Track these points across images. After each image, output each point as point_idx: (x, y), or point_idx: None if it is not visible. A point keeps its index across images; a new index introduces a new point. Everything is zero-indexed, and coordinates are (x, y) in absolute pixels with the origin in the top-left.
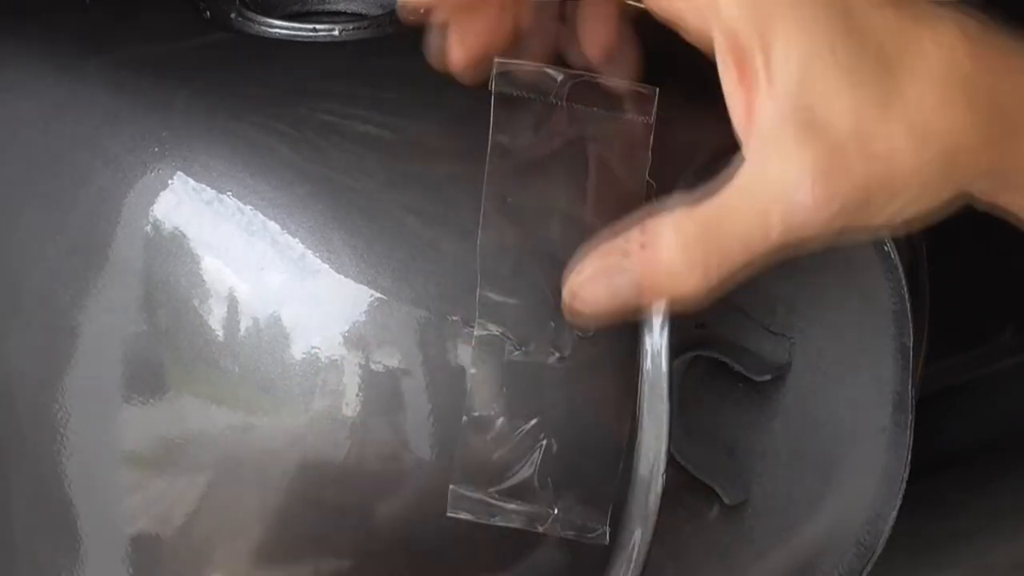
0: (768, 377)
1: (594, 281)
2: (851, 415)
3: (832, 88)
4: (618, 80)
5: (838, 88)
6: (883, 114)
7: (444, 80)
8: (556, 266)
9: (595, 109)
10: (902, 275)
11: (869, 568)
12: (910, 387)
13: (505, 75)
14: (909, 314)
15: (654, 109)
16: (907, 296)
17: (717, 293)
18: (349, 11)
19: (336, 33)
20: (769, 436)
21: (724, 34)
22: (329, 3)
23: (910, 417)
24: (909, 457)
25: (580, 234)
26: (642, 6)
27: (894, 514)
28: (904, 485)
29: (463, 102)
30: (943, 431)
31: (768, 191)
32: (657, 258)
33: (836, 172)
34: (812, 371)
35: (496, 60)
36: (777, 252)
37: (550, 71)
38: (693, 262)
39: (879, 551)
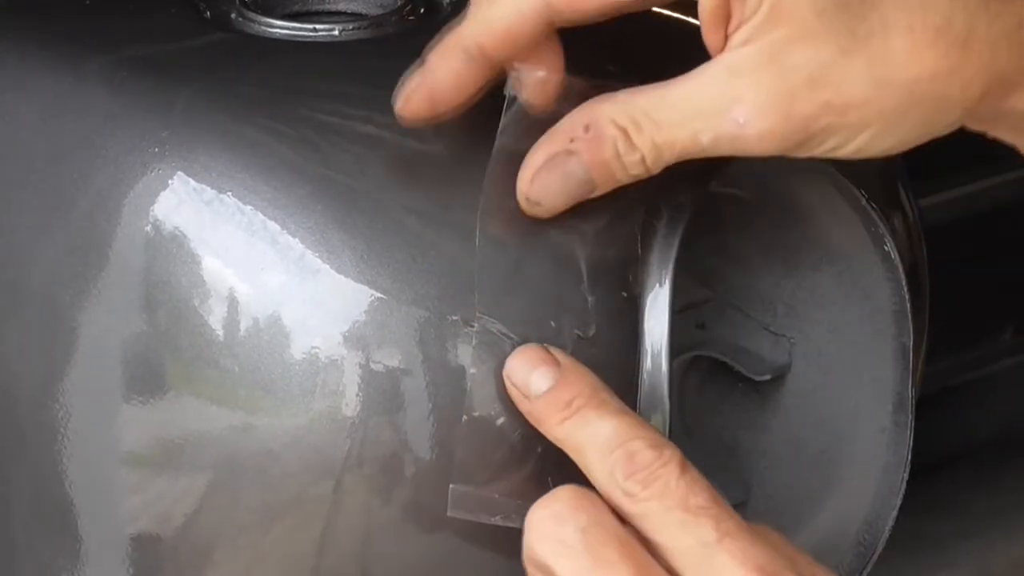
0: (768, 377)
1: (547, 168)
2: (851, 415)
3: (800, 27)
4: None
5: (805, 28)
6: (845, 59)
7: None
8: (556, 266)
9: None
10: (902, 275)
11: (869, 568)
12: (910, 387)
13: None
14: (909, 314)
15: None
16: (907, 296)
17: (660, 171)
18: (349, 11)
19: (336, 33)
20: (769, 436)
21: None
22: (329, 3)
23: (910, 417)
24: (909, 457)
25: (579, 235)
26: None
27: (894, 514)
28: (904, 485)
29: None
30: (943, 431)
31: (709, 100)
32: (601, 139)
33: (780, 107)
34: (812, 371)
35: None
36: (707, 154)
37: (564, 79)
38: (631, 142)
39: (879, 551)
